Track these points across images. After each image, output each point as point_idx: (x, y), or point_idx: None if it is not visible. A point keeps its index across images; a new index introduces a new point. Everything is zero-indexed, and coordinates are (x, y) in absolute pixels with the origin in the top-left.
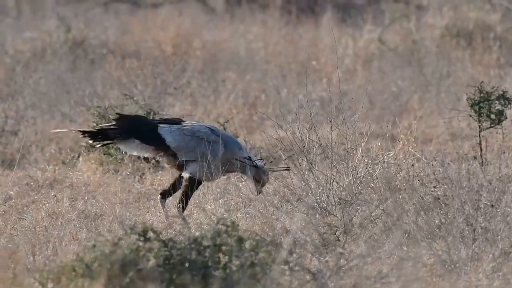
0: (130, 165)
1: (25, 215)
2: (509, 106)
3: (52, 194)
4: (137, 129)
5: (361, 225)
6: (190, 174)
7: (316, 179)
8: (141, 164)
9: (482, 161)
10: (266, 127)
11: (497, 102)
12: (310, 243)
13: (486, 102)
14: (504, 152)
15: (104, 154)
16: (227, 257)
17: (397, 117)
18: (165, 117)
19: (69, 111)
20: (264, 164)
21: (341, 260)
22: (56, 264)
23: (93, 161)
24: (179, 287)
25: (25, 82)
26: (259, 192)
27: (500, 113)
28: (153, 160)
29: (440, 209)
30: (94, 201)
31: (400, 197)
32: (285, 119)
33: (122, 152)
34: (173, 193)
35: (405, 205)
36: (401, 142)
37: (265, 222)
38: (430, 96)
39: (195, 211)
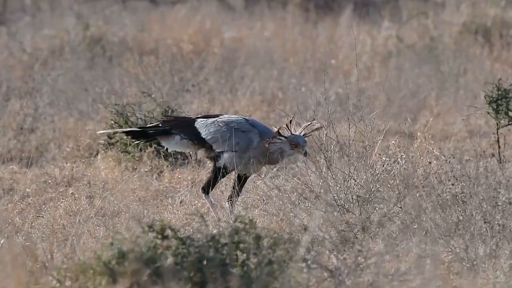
0: (148, 162)
1: (43, 213)
2: None
3: (70, 192)
4: (177, 125)
5: (379, 222)
6: (223, 164)
7: (334, 176)
8: (159, 162)
9: (500, 159)
10: (284, 124)
11: None
12: (328, 241)
13: (504, 100)
14: None
15: (122, 152)
16: (245, 254)
17: (415, 114)
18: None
19: (87, 109)
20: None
21: (359, 258)
22: (73, 262)
23: (111, 159)
24: (197, 285)
25: (43, 79)
26: (305, 153)
27: None
28: (171, 158)
29: (458, 206)
30: (112, 198)
31: (418, 194)
32: (303, 116)
33: (165, 148)
34: (239, 194)
35: (423, 203)
36: (419, 140)
37: (283, 219)
38: (447, 93)
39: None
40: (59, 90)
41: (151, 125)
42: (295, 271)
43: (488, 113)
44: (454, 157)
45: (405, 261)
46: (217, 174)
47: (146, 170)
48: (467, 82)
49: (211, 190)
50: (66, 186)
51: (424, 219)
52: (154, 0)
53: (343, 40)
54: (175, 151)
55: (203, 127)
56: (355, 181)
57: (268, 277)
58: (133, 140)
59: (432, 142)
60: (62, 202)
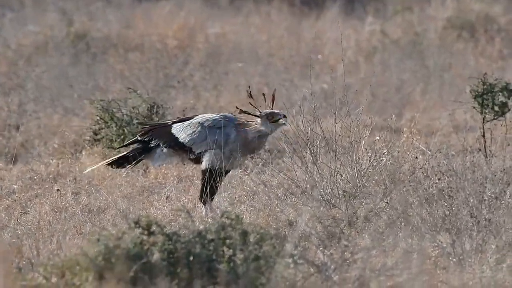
0: None
1: (29, 209)
2: None
3: (56, 188)
4: (155, 134)
5: (366, 217)
6: (206, 164)
7: (320, 171)
8: None
9: (486, 153)
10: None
11: (500, 94)
12: (314, 236)
13: (489, 94)
14: (508, 144)
15: (108, 148)
16: (231, 250)
17: (400, 110)
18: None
19: (72, 105)
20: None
21: (346, 253)
22: (60, 258)
23: (96, 155)
24: (184, 281)
25: (28, 76)
26: (285, 117)
27: (504, 105)
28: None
29: (444, 201)
30: (97, 195)
31: (404, 189)
32: (288, 111)
33: (151, 166)
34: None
35: (409, 198)
36: (405, 135)
37: (270, 215)
38: (432, 88)
39: (199, 205)
40: (43, 86)
41: (130, 140)
42: (282, 267)
43: (474, 107)
44: (440, 152)
45: (391, 256)
46: (206, 177)
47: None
48: (452, 77)
49: (208, 196)
50: (51, 183)
51: (410, 214)
52: None
53: (328, 35)
54: (160, 165)
55: (180, 131)
56: (342, 176)
57: (255, 273)
58: (120, 168)
59: (418, 137)
60: (48, 198)
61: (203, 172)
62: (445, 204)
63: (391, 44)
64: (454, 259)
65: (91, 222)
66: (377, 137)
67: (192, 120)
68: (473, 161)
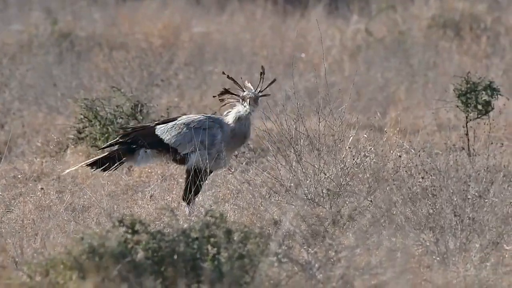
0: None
1: (13, 208)
2: (496, 96)
3: (40, 186)
4: (138, 136)
5: (350, 216)
6: (192, 165)
7: (304, 170)
8: None
9: (470, 152)
10: (253, 118)
11: (484, 92)
12: (298, 235)
13: (473, 93)
14: (491, 143)
15: (92, 147)
16: (215, 249)
17: (384, 108)
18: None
19: (56, 104)
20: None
21: (330, 252)
22: (44, 257)
23: (80, 153)
24: (168, 279)
25: (12, 74)
26: (254, 97)
27: (487, 104)
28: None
29: (428, 200)
30: (81, 193)
31: (388, 188)
32: (272, 110)
33: (133, 168)
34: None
35: (393, 196)
36: (388, 133)
37: (254, 213)
38: (416, 87)
39: (183, 204)
40: (28, 85)
41: (111, 142)
42: (266, 265)
43: (457, 106)
44: (424, 151)
45: (376, 255)
46: (190, 177)
47: None
48: (436, 76)
49: (192, 197)
50: (35, 181)
51: (394, 212)
52: None
53: (312, 34)
54: (143, 166)
55: (164, 133)
56: (325, 175)
57: (239, 271)
58: (103, 170)
59: (402, 135)
60: (31, 197)
61: (188, 172)
62: (429, 203)
63: (375, 42)
64: (438, 258)
65: (75, 221)
66: (361, 136)
67: (176, 121)
68: (456, 159)
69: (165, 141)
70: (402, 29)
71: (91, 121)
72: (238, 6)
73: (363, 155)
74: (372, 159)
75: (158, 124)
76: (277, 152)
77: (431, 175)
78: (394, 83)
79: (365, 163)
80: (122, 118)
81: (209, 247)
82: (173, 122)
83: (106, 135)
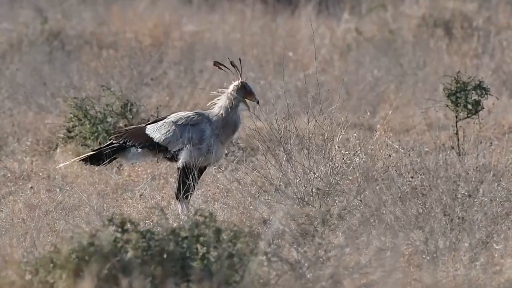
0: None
1: (2, 207)
2: (485, 96)
3: (29, 185)
4: (130, 136)
5: (339, 215)
6: (182, 162)
7: (293, 169)
8: None
9: (459, 151)
10: (243, 117)
11: (473, 92)
12: (288, 234)
13: (462, 92)
14: (481, 142)
15: (82, 145)
16: (205, 248)
17: (374, 107)
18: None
19: (46, 103)
20: (235, 82)
21: (319, 251)
22: (33, 255)
23: (70, 152)
24: (158, 278)
25: (1, 73)
26: (258, 102)
27: (477, 103)
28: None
29: (417, 199)
30: (71, 192)
31: (378, 187)
32: (262, 109)
33: (124, 163)
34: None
35: (382, 196)
36: (378, 133)
37: (243, 212)
38: (406, 86)
39: (172, 202)
40: (17, 83)
41: (104, 145)
42: (255, 264)
43: (447, 105)
44: (413, 150)
45: (365, 254)
46: (181, 174)
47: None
48: (426, 75)
49: (184, 194)
50: (25, 180)
51: (384, 212)
52: None
53: (302, 33)
54: (133, 163)
55: (154, 132)
56: (315, 174)
57: (229, 270)
58: (94, 165)
59: (392, 135)
60: (21, 196)
61: (179, 169)
62: (419, 202)
63: (365, 41)
64: (428, 257)
65: (65, 220)
66: (351, 135)
67: (165, 119)
68: (446, 159)
69: (155, 139)
70: (392, 28)
71: (81, 120)
72: (228, 5)
73: (352, 154)
74: (362, 158)
75: (149, 124)
76: (267, 151)
77: (420, 175)
78: (384, 82)
79: (354, 163)
80: (112, 117)
81: (199, 246)
82: (162, 121)
83: (96, 134)
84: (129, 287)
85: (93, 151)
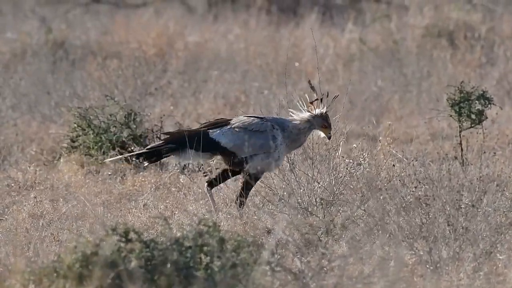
0: (111, 165)
1: (6, 217)
2: (489, 106)
3: (33, 195)
4: (190, 140)
5: (343, 225)
6: (252, 168)
7: (297, 179)
8: (122, 165)
9: (463, 161)
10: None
11: (477, 102)
12: (292, 244)
13: (466, 102)
14: (484, 152)
15: (85, 155)
16: (208, 257)
17: (378, 117)
18: (208, 122)
19: (50, 112)
20: (321, 109)
21: (323, 261)
22: (37, 265)
23: (74, 162)
24: None
25: (5, 83)
26: (330, 137)
27: (480, 113)
28: (134, 161)
29: (421, 209)
30: (75, 202)
31: (381, 197)
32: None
33: (177, 163)
34: (220, 183)
35: (386, 206)
36: (382, 143)
37: (247, 222)
38: (410, 96)
39: (176, 212)
40: (21, 93)
41: (156, 144)
42: (259, 274)
43: (451, 116)
44: (417, 160)
45: (368, 264)
46: (249, 179)
47: (109, 173)
48: (430, 85)
49: (246, 199)
50: (29, 190)
51: (387, 221)
52: (116, 3)
53: (306, 43)
54: (186, 164)
55: (221, 136)
56: (319, 184)
57: (232, 280)
58: (145, 162)
59: (395, 145)
60: (25, 205)
61: (250, 175)
62: (422, 212)
63: (369, 52)
64: (431, 267)
65: (68, 230)
66: (354, 145)
67: (232, 125)
68: (449, 169)
69: (221, 144)
70: (396, 38)
71: (85, 129)
72: (232, 16)
73: (356, 164)
74: (366, 168)
75: (207, 128)
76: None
77: (424, 185)
78: (387, 92)
79: (358, 172)
80: (115, 127)
81: (202, 255)
82: (228, 127)
83: (100, 144)
84: None
85: (148, 148)
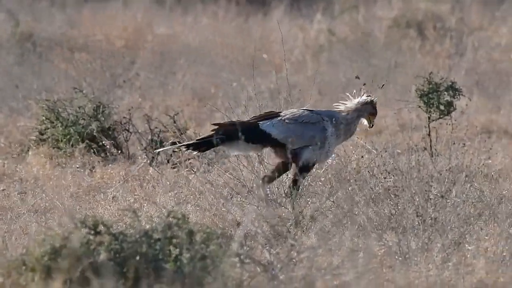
0: (80, 158)
1: None
2: (458, 97)
3: (1, 188)
4: (241, 132)
5: (312, 217)
6: (304, 160)
7: (266, 171)
8: (91, 158)
9: (432, 152)
10: (216, 119)
11: (446, 93)
12: (261, 235)
13: (435, 93)
14: (453, 143)
15: (54, 148)
16: (178, 249)
17: None
18: (258, 115)
19: (18, 105)
20: (371, 97)
21: (292, 252)
22: (5, 258)
23: (42, 155)
24: (130, 280)
25: None
26: (373, 125)
27: (449, 104)
28: (103, 153)
29: (390, 200)
30: (44, 195)
31: (350, 188)
32: (234, 111)
33: (227, 152)
34: (277, 178)
35: (355, 197)
36: None
37: (216, 214)
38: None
39: (145, 204)
40: None
41: (206, 135)
42: (228, 266)
43: (419, 106)
44: (386, 151)
45: (337, 255)
46: (300, 172)
47: (78, 166)
48: (398, 76)
49: (298, 191)
50: None
51: (356, 213)
52: None
53: (275, 34)
54: (236, 155)
55: (271, 128)
56: (287, 175)
57: (201, 272)
58: (195, 152)
59: (364, 136)
60: None
61: (301, 167)
62: (391, 203)
63: (338, 42)
64: (400, 258)
65: (37, 222)
66: None
67: (282, 117)
68: (418, 160)
69: (272, 136)
70: (365, 29)
71: (53, 122)
72: (201, 7)
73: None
74: (334, 159)
75: (257, 120)
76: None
77: (393, 176)
78: (356, 83)
79: (327, 164)
80: (84, 119)
81: (171, 248)
82: (279, 118)
83: (68, 136)
84: None
85: (199, 139)
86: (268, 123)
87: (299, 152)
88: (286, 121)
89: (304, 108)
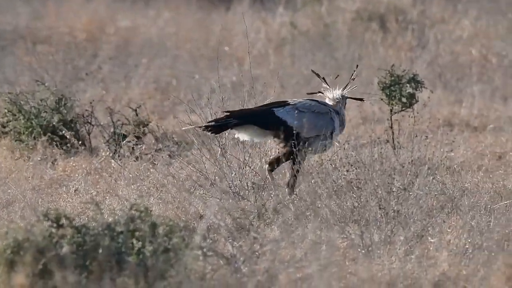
0: (42, 151)
1: None
2: (420, 89)
3: None
4: (256, 117)
5: (275, 209)
6: (314, 150)
7: (228, 163)
8: (53, 150)
9: (394, 145)
10: (178, 112)
11: (408, 85)
12: (223, 228)
13: (397, 86)
14: (416, 136)
15: (16, 141)
16: (140, 242)
17: None
18: (269, 102)
19: None
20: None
21: (255, 245)
22: None
23: (4, 147)
24: (93, 273)
25: None
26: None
27: (411, 96)
28: (65, 146)
29: (353, 192)
30: (5, 187)
31: (313, 181)
32: (197, 104)
33: (237, 137)
34: (278, 165)
35: (318, 189)
36: None
37: (178, 207)
38: (341, 80)
39: (107, 197)
40: None
41: (221, 117)
42: (191, 259)
43: (382, 99)
44: (348, 143)
45: (300, 248)
46: (301, 161)
47: (40, 158)
48: (361, 69)
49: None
50: None
51: (319, 205)
52: None
53: (237, 28)
54: (246, 140)
55: (286, 115)
56: (250, 168)
57: (164, 265)
58: (211, 133)
59: None
60: None
61: (303, 157)
62: (354, 196)
63: (300, 35)
64: (363, 251)
65: None
66: None
67: (293, 106)
68: (381, 152)
69: (288, 123)
70: (327, 22)
71: (15, 115)
72: (163, 1)
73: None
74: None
75: (271, 107)
76: (201, 145)
77: (355, 168)
78: (316, 79)
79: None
80: (46, 112)
81: (134, 241)
82: (291, 106)
83: (31, 129)
84: (64, 282)
85: (216, 122)
86: (282, 110)
87: (312, 141)
88: (300, 109)
89: (309, 99)
